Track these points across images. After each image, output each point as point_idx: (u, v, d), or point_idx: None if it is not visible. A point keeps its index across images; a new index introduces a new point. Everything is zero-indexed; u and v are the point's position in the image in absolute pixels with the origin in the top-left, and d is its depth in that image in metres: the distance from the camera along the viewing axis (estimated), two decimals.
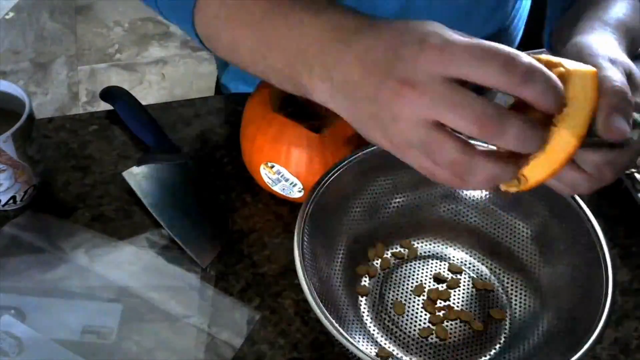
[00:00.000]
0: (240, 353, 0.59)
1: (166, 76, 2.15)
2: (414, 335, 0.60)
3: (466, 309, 0.62)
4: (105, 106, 0.79)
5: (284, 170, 0.64)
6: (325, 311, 0.52)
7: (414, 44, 0.40)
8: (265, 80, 0.53)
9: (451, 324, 0.61)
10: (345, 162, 0.62)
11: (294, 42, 0.47)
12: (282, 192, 0.67)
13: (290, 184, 0.65)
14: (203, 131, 0.77)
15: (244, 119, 0.68)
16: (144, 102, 0.78)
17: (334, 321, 0.52)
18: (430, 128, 0.40)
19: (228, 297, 0.62)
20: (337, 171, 0.61)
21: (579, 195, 0.60)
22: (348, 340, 0.51)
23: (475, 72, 0.39)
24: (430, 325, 0.61)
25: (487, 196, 0.66)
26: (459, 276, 0.64)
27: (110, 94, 0.79)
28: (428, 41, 0.40)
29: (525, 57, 0.39)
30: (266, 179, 0.66)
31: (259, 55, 0.51)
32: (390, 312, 0.62)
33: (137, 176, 0.70)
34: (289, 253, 0.66)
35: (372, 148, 0.63)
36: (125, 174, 0.70)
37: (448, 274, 0.64)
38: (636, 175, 0.72)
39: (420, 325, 0.61)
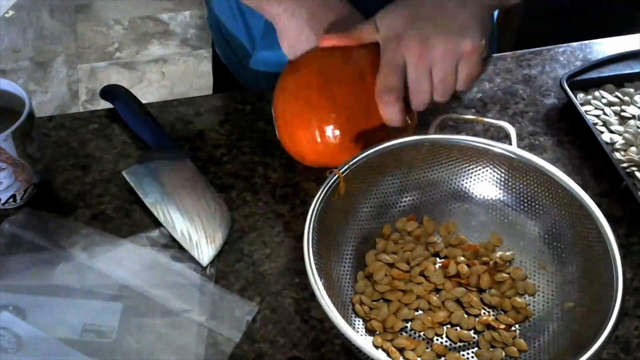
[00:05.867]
0: (240, 351, 0.59)
1: (166, 74, 2.15)
2: (423, 335, 0.60)
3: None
4: (105, 105, 0.79)
5: None
6: (333, 306, 0.53)
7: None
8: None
9: (461, 324, 0.60)
10: (353, 161, 0.62)
11: None
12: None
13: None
14: (203, 129, 0.77)
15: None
16: (144, 101, 0.77)
17: (339, 316, 0.52)
18: None
19: (228, 293, 0.62)
20: (345, 171, 0.61)
21: (587, 192, 0.61)
22: (354, 336, 0.51)
23: None
24: (439, 326, 0.60)
25: (497, 195, 0.66)
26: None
27: (110, 92, 0.78)
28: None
29: None
30: None
31: None
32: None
33: (137, 175, 0.70)
34: (289, 252, 0.66)
35: (380, 147, 0.63)
36: (125, 172, 0.70)
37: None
38: (637, 173, 0.72)
39: (428, 325, 0.60)
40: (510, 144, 0.66)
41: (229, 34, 0.89)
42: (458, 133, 0.75)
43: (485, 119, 0.71)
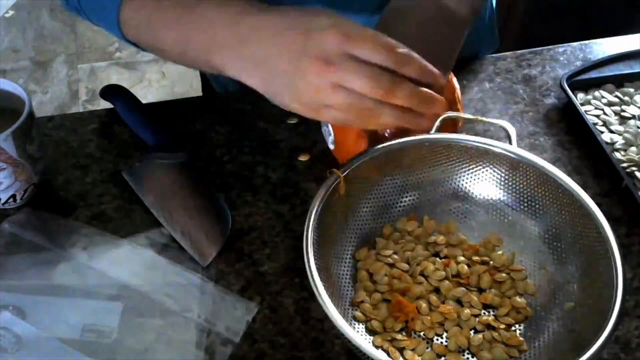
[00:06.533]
0: (240, 352, 0.59)
1: (166, 74, 2.15)
2: (423, 335, 0.60)
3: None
4: (105, 104, 0.79)
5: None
6: (333, 306, 0.53)
7: (323, 29, 0.54)
8: (193, 68, 0.65)
9: (461, 324, 0.60)
10: (354, 161, 0.62)
11: (205, 31, 0.59)
12: (330, 146, 0.71)
13: (328, 133, 0.70)
14: (203, 129, 0.77)
15: None
16: (144, 101, 0.77)
17: (340, 316, 0.52)
18: (338, 89, 0.54)
19: (228, 293, 0.62)
20: (345, 171, 0.61)
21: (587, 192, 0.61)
22: (351, 333, 0.51)
23: (369, 54, 0.54)
24: (439, 326, 0.60)
25: (497, 195, 0.66)
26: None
27: (111, 92, 0.78)
28: (334, 27, 0.54)
29: (401, 45, 0.55)
30: (323, 130, 0.71)
31: (180, 50, 0.62)
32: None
33: (137, 175, 0.70)
34: (289, 251, 0.66)
35: (381, 147, 0.63)
36: (125, 172, 0.70)
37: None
38: (637, 173, 0.72)
39: (428, 325, 0.60)
40: (511, 143, 0.66)
41: None
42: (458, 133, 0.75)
43: (485, 119, 0.71)
